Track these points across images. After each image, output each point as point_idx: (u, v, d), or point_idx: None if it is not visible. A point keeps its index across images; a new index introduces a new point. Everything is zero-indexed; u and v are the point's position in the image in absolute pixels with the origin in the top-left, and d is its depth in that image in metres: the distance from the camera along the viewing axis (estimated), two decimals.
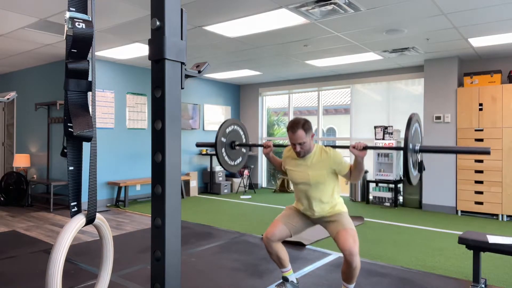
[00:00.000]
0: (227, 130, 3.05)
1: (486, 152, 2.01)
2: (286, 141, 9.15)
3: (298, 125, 2.60)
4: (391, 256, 3.91)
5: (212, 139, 8.86)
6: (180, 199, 0.93)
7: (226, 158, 3.03)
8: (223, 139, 3.00)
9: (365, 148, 2.47)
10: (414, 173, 2.24)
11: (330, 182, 2.68)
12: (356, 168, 2.58)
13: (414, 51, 5.85)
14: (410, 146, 2.20)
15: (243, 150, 3.19)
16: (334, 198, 2.71)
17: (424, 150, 2.25)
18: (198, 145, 3.15)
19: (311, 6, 3.97)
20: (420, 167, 2.33)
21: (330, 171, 2.64)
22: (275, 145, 2.95)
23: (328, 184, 2.66)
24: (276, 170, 2.90)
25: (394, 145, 6.92)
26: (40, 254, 3.95)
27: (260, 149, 9.24)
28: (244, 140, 3.20)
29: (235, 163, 3.12)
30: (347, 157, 7.77)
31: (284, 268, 2.85)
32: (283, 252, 2.80)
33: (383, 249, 4.17)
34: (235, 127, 3.10)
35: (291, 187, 8.60)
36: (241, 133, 3.16)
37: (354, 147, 2.51)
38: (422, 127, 2.15)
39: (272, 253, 2.77)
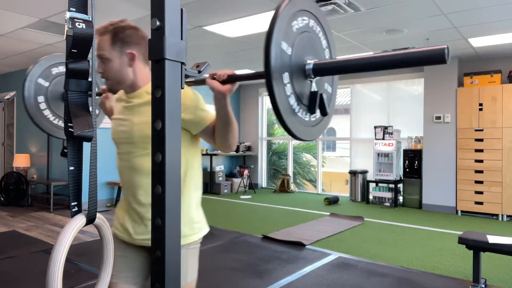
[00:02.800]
0: (54, 71, 1.84)
1: (440, 55, 0.80)
2: (285, 141, 9.12)
3: (107, 27, 1.39)
4: (391, 256, 3.91)
5: None
6: (180, 199, 0.93)
7: (47, 114, 1.83)
8: (43, 83, 1.81)
9: (231, 79, 1.19)
10: (302, 115, 0.98)
11: None
12: (219, 117, 1.36)
13: None
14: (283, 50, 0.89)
15: (97, 110, 1.91)
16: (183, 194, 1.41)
17: (322, 68, 0.96)
18: None
19: None
20: (319, 102, 1.00)
21: None
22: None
23: None
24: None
25: (394, 146, 6.88)
26: (40, 254, 3.95)
27: (260, 148, 9.22)
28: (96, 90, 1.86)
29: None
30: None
31: None
32: None
33: (383, 249, 4.17)
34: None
35: (291, 187, 8.54)
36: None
37: (213, 77, 1.22)
38: (329, 32, 0.99)
39: None
